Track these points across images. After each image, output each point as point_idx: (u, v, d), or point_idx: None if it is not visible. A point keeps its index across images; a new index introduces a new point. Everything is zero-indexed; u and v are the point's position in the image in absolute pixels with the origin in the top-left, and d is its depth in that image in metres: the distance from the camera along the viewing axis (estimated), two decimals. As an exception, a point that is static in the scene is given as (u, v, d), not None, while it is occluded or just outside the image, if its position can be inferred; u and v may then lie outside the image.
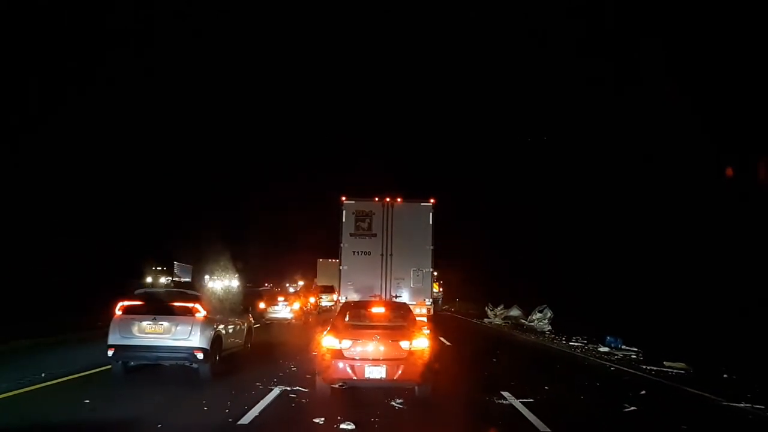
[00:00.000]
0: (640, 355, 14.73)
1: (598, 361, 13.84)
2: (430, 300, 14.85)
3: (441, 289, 38.63)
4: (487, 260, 48.86)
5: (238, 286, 25.97)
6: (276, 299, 23.37)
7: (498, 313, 29.40)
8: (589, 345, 17.02)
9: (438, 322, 28.65)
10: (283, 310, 22.74)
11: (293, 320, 22.68)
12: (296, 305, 23.25)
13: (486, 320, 29.27)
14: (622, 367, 12.47)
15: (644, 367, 12.43)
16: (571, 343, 17.72)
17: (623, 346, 16.40)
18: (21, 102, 25.19)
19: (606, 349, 15.87)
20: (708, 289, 19.74)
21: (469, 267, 49.57)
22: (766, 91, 20.55)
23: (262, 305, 22.57)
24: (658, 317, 21.05)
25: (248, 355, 11.84)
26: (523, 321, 25.97)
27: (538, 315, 24.99)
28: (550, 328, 23.64)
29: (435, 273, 37.23)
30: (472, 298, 46.84)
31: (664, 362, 12.65)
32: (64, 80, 28.60)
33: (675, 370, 11.95)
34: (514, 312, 28.29)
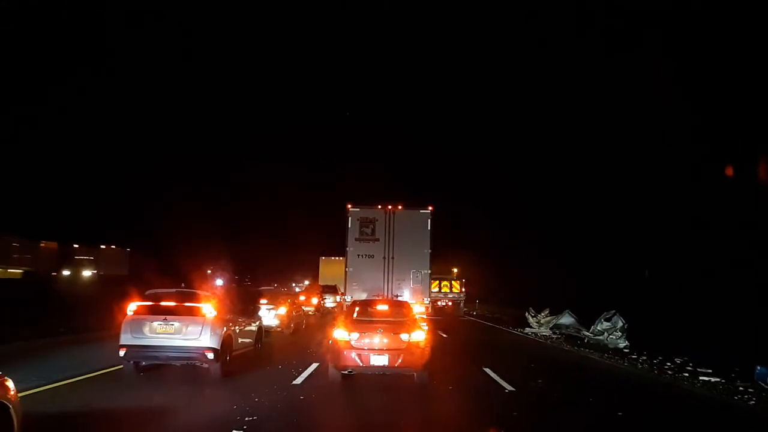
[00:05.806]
0: None
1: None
2: (428, 299, 16.44)
3: (463, 290, 32.29)
4: (513, 256, 45.92)
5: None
6: (257, 302, 17.32)
7: (542, 321, 23.05)
8: (738, 383, 10.74)
9: (467, 333, 22.47)
10: (266, 315, 16.70)
11: (277, 328, 17.09)
12: (282, 310, 17.32)
13: (528, 330, 22.94)
14: None
15: None
16: (702, 378, 11.38)
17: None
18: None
19: (783, 395, 9.63)
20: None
21: (490, 265, 45.74)
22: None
23: None
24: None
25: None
26: (586, 333, 19.67)
27: (606, 325, 18.72)
28: (626, 343, 17.45)
29: (456, 270, 32.69)
30: (496, 299, 41.08)
31: None
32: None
33: None
34: (566, 319, 21.98)
